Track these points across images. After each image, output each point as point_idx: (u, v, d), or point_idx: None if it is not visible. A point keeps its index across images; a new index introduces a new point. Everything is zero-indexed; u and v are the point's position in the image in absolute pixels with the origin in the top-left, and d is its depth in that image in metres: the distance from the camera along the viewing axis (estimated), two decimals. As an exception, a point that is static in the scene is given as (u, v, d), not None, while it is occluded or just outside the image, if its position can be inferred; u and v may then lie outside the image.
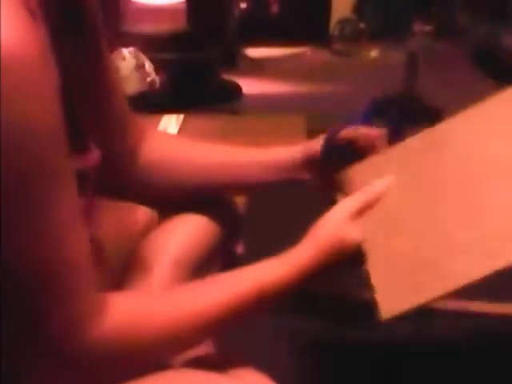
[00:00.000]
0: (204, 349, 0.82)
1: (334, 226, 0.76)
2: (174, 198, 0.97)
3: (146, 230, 0.96)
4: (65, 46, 0.66)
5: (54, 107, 0.58)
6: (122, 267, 0.91)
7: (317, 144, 0.93)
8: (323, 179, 0.93)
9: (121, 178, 0.90)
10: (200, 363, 0.73)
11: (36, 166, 0.57)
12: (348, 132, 0.92)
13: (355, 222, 0.76)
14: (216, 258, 0.98)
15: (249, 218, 1.07)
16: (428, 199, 0.77)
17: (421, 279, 0.69)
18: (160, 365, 0.71)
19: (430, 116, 2.08)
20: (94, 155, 0.77)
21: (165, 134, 1.06)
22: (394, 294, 0.69)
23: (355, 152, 0.90)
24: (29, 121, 0.55)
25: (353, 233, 0.75)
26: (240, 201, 1.07)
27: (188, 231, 0.95)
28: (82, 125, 0.73)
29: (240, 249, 1.07)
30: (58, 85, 0.60)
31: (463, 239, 0.69)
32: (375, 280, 0.72)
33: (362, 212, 0.77)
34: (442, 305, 1.46)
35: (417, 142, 0.84)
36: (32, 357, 0.63)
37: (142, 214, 0.97)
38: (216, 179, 0.97)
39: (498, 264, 0.64)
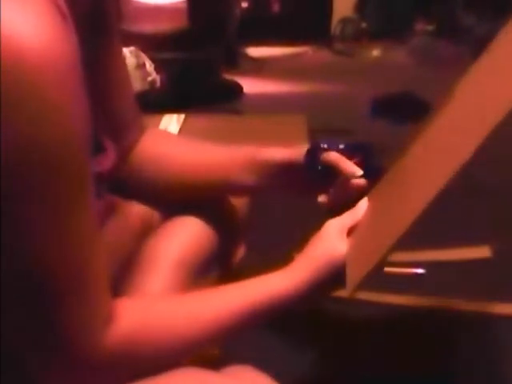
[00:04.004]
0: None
1: (326, 244, 0.79)
2: (164, 196, 0.97)
3: (147, 230, 0.96)
4: (89, 51, 0.67)
5: (85, 111, 0.59)
6: (122, 267, 0.91)
7: (299, 153, 0.91)
8: (304, 185, 0.92)
9: (118, 175, 0.91)
10: (200, 363, 0.73)
11: (65, 174, 0.57)
12: (331, 158, 0.88)
13: (343, 238, 0.79)
14: (216, 262, 0.98)
15: (250, 219, 1.07)
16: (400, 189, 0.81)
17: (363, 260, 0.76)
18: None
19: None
20: (110, 156, 0.77)
21: (162, 132, 1.05)
22: (350, 278, 0.76)
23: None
24: (65, 126, 0.56)
25: (342, 248, 0.78)
26: (243, 202, 1.06)
27: (189, 233, 0.95)
28: (98, 126, 0.74)
29: (241, 251, 1.07)
30: (84, 88, 0.60)
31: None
32: (348, 273, 0.77)
33: (347, 228, 0.79)
34: (441, 304, 1.47)
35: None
36: (43, 361, 0.63)
37: (142, 212, 0.97)
38: (202, 179, 0.96)
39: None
